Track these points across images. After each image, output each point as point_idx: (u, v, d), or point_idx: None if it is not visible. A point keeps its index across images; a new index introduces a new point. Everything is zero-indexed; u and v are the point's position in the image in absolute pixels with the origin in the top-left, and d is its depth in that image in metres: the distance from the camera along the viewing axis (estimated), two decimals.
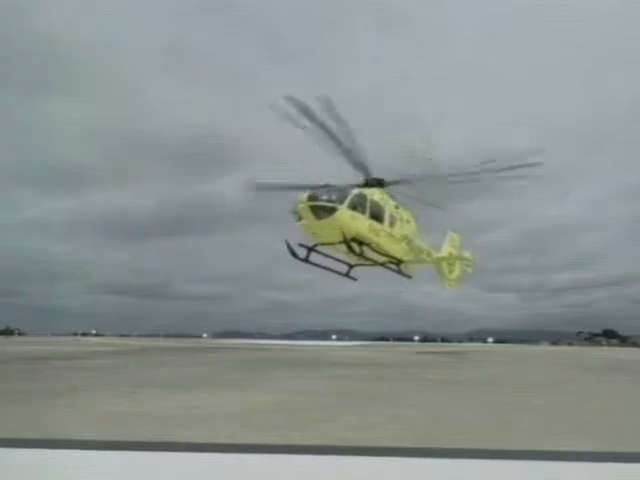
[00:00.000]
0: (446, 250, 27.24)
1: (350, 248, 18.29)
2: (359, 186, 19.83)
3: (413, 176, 19.71)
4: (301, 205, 17.80)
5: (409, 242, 21.67)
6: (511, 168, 18.46)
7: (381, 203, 19.69)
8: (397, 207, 20.89)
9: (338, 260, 21.05)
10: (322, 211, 17.89)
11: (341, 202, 18.13)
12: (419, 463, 4.32)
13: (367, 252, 19.17)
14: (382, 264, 20.84)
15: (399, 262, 21.42)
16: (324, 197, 18.25)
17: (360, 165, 19.35)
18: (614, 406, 11.23)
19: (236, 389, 12.58)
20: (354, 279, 20.73)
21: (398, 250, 21.00)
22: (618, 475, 4.29)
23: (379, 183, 19.85)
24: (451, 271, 26.93)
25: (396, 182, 19.86)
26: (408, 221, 21.56)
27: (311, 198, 18.13)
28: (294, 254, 19.53)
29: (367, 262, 20.48)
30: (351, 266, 21.04)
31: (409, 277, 22.13)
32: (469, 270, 27.55)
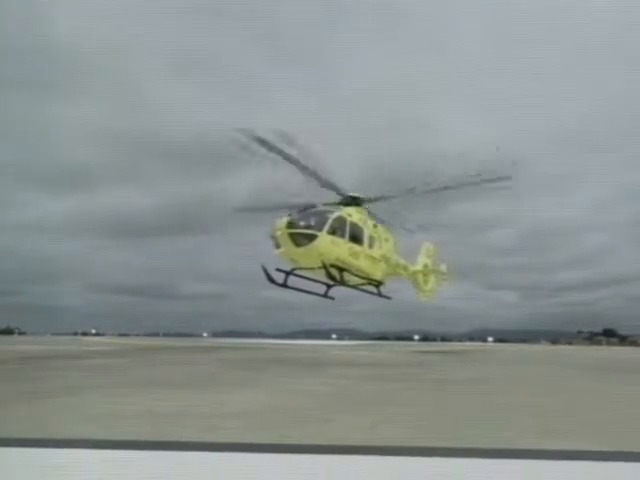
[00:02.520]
0: (421, 262, 27.08)
1: (330, 275, 17.66)
2: (335, 204, 19.35)
3: (390, 193, 19.27)
4: (279, 232, 17.02)
5: (387, 260, 21.25)
6: (483, 181, 18.08)
7: (360, 224, 19.15)
8: (375, 226, 20.42)
9: (316, 281, 20.56)
10: (302, 238, 17.00)
11: (320, 228, 17.37)
12: (419, 462, 4.32)
13: (346, 277, 18.70)
14: (359, 286, 20.33)
15: (379, 284, 20.99)
16: (302, 223, 17.39)
17: (330, 185, 18.84)
18: (610, 407, 11.23)
19: (236, 389, 12.58)
20: (332, 298, 20.49)
21: (377, 271, 20.53)
22: (618, 474, 4.29)
23: (355, 201, 19.31)
24: (426, 282, 26.75)
25: (374, 199, 19.36)
26: (386, 239, 21.13)
27: (290, 225, 17.27)
28: (271, 280, 19.01)
29: (346, 285, 19.94)
30: (329, 286, 20.71)
31: (389, 298, 21.83)
32: (444, 283, 27.47)
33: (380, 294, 21.22)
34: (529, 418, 8.84)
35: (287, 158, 17.52)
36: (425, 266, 26.34)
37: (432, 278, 26.84)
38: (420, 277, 26.45)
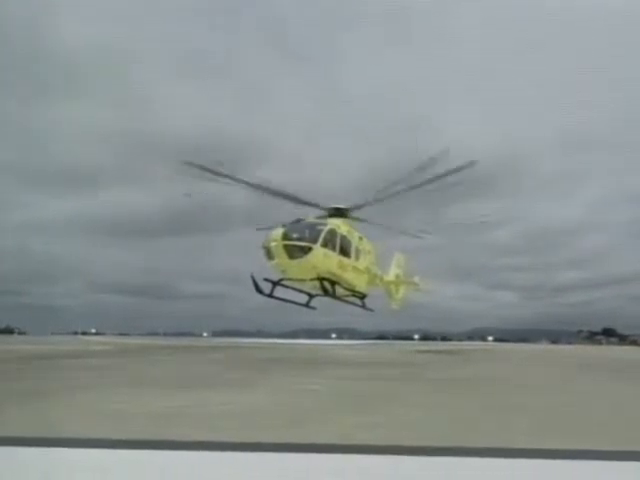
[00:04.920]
0: (393, 272, 28.04)
1: (324, 288, 17.93)
2: (323, 217, 19.60)
3: (365, 201, 19.50)
4: (274, 243, 17.17)
5: (369, 272, 21.68)
6: (448, 173, 18.29)
7: (349, 237, 19.45)
8: (361, 239, 20.76)
9: (301, 291, 20.82)
10: (297, 250, 17.21)
11: (314, 241, 17.55)
12: (419, 461, 4.33)
13: (338, 290, 18.91)
14: (343, 297, 20.53)
15: (363, 296, 21.33)
16: (295, 235, 17.57)
17: (309, 204, 19.08)
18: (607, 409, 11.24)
19: (236, 389, 12.60)
20: (313, 308, 20.70)
21: (362, 282, 20.93)
22: (618, 474, 4.30)
23: (339, 212, 19.47)
24: (397, 291, 27.61)
25: (359, 206, 19.47)
26: (369, 252, 21.51)
27: (285, 237, 17.48)
28: (259, 290, 19.16)
29: (332, 297, 20.13)
30: (311, 296, 20.93)
31: (372, 311, 22.14)
32: (417, 293, 28.22)
33: (364, 306, 21.59)
34: (530, 419, 8.85)
35: (249, 185, 17.79)
36: (397, 276, 27.40)
37: (402, 288, 27.97)
38: (392, 287, 27.53)
